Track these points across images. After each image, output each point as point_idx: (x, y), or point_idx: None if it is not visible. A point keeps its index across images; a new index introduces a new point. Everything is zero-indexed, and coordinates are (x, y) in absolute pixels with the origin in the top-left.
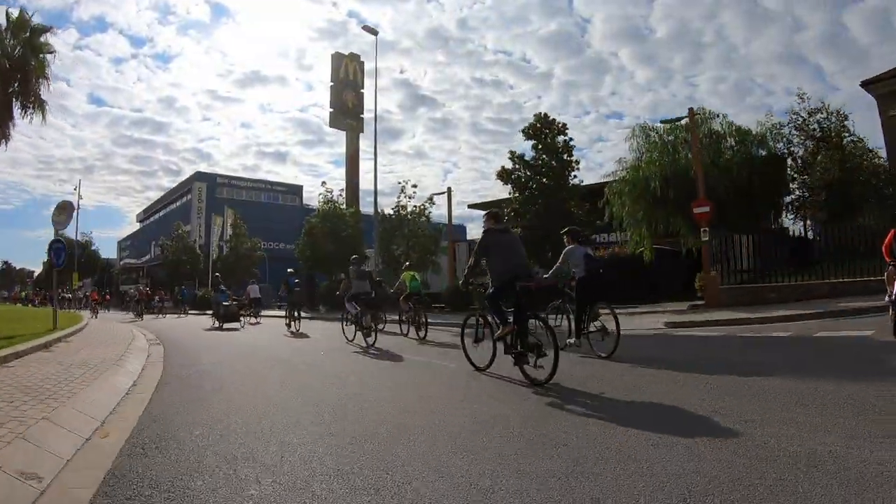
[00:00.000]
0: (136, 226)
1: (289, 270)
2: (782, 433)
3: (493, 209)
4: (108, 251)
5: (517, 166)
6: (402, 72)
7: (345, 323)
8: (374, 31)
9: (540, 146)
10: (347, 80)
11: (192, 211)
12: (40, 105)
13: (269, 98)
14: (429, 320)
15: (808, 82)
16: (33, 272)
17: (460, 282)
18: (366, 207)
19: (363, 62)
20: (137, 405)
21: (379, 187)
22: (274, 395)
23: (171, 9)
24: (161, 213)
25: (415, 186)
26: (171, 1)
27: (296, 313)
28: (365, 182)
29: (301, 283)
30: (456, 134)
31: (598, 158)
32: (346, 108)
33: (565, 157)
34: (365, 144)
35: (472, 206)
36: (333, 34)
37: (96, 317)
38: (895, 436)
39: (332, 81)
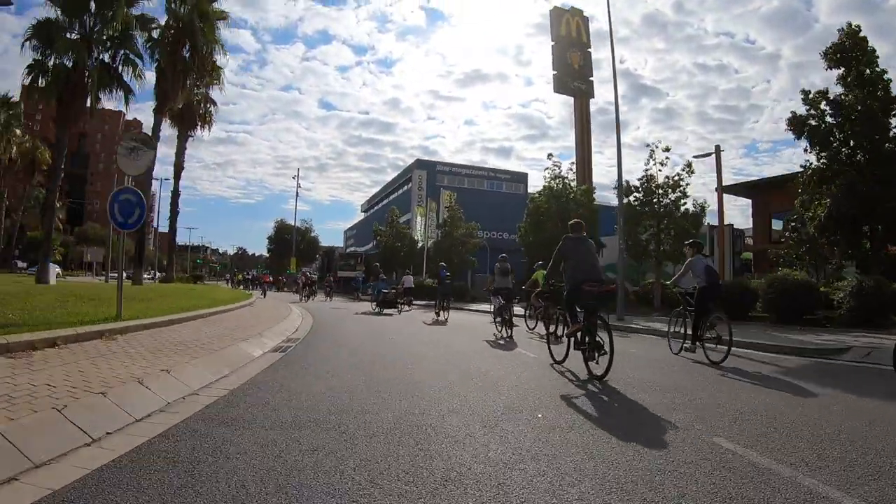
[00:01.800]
0: (362, 216)
1: (441, 264)
2: None
3: (577, 221)
4: (338, 240)
5: (816, 110)
6: (622, 61)
7: (496, 317)
8: None
9: (849, 78)
10: (571, 38)
11: (412, 199)
12: (217, 71)
13: (491, 95)
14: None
15: None
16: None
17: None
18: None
19: (587, 17)
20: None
21: (603, 181)
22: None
23: (389, 17)
24: (383, 203)
25: (667, 150)
26: (387, 10)
27: (444, 303)
28: (597, 175)
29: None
30: (681, 124)
31: None
32: (572, 70)
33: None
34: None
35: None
36: (548, 27)
37: (265, 296)
38: None
39: (552, 41)
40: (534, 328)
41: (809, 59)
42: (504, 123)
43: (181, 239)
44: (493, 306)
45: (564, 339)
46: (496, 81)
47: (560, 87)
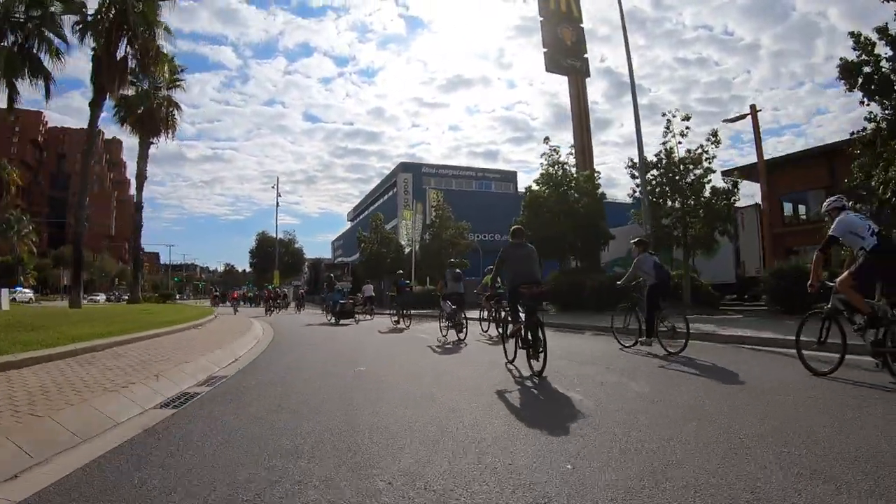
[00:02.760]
0: (350, 225)
1: (398, 272)
2: None
3: (518, 227)
4: (327, 252)
5: (869, 55)
6: (602, 60)
7: (441, 321)
8: None
9: None
10: (560, 12)
11: (398, 204)
12: (163, 61)
13: (475, 100)
14: None
15: None
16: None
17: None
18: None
19: None
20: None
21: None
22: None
23: (369, 27)
24: (369, 210)
25: (687, 119)
26: (367, 20)
27: (404, 311)
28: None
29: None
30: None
31: (819, 133)
32: (564, 47)
33: None
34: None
35: (725, 174)
36: (529, 30)
37: (235, 313)
38: None
39: (541, 16)
40: (487, 330)
41: (789, 46)
42: (489, 127)
43: (167, 258)
44: (442, 311)
45: (511, 340)
46: (479, 86)
47: (552, 65)
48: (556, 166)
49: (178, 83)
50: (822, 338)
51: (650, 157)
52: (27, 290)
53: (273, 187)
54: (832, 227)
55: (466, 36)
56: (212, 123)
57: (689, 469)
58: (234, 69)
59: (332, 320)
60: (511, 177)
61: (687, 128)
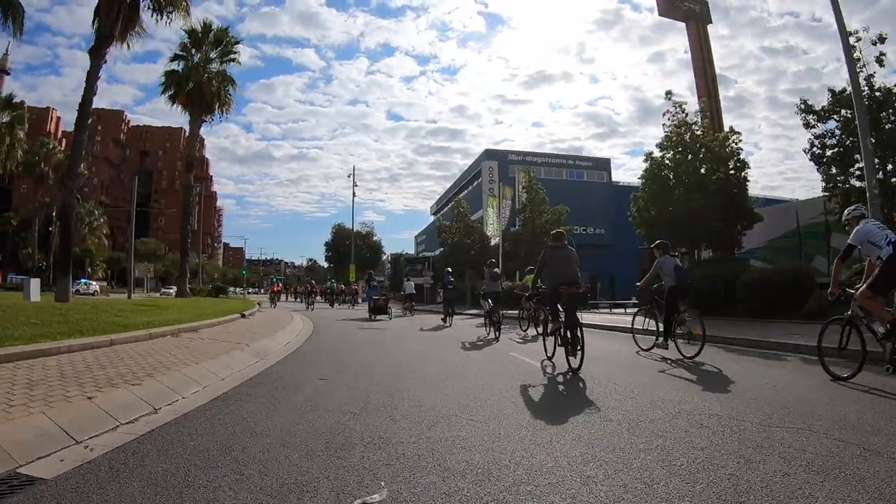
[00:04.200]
0: (432, 219)
1: (447, 270)
2: None
3: (559, 231)
4: (411, 249)
5: None
6: (685, 52)
7: (486, 320)
8: None
9: None
10: None
11: (482, 194)
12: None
13: (557, 95)
14: None
15: None
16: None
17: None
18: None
19: None
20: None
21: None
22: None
23: (448, 25)
24: (452, 203)
25: (881, 41)
26: (446, 19)
27: (450, 310)
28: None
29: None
30: (753, 111)
31: None
32: None
33: None
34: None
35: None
36: (609, 23)
37: (311, 308)
38: None
39: None
40: (526, 329)
41: (879, 31)
42: (572, 123)
43: (251, 254)
44: (483, 309)
45: (550, 337)
46: (561, 81)
47: (666, 8)
48: (684, 128)
49: (231, 56)
50: (842, 344)
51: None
52: (93, 283)
53: (349, 176)
54: (851, 235)
55: (546, 31)
56: (297, 123)
57: None
58: (317, 71)
59: (370, 316)
60: (604, 164)
61: (882, 54)
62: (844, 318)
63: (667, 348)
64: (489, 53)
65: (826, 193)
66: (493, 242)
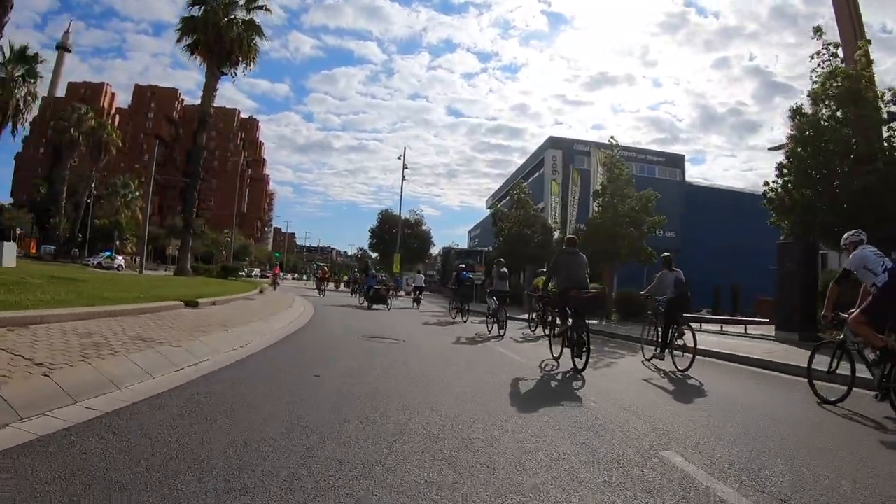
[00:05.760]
0: (487, 213)
1: (460, 266)
2: None
3: (571, 237)
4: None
5: None
6: (751, 59)
7: (490, 318)
8: None
9: None
10: None
11: (544, 185)
12: None
13: (619, 98)
14: None
15: None
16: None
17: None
18: None
19: None
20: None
21: (741, 186)
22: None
23: (511, 23)
24: (511, 189)
25: None
26: (509, 17)
27: (464, 306)
28: (738, 165)
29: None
30: None
31: None
32: None
33: None
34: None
35: None
36: (674, 27)
37: (323, 295)
38: None
39: None
40: (535, 330)
41: None
42: (634, 127)
43: (302, 240)
44: (489, 307)
45: (558, 339)
46: (623, 84)
47: None
48: (839, 78)
49: (259, 3)
50: (832, 367)
51: None
52: (118, 257)
53: (399, 158)
54: (848, 259)
55: (610, 32)
56: (357, 115)
57: None
58: (379, 64)
59: (363, 304)
60: (678, 161)
61: None
62: (836, 342)
63: (662, 359)
64: (551, 53)
65: None
66: (555, 236)
